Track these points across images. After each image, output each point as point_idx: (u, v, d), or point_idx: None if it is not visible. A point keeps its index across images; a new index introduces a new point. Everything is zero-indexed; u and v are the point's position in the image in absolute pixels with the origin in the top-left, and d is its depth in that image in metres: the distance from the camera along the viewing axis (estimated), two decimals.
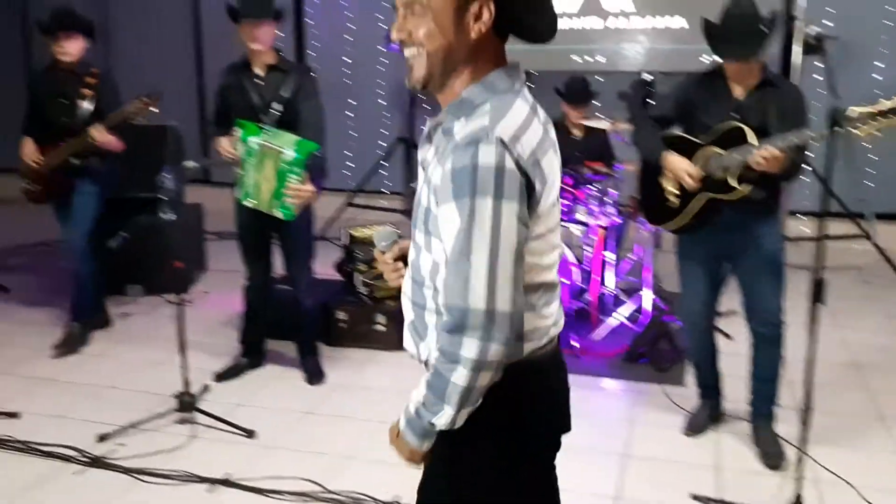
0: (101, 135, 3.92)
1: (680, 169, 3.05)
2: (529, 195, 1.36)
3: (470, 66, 1.42)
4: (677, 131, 3.18)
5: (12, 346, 4.38)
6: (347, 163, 7.37)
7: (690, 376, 3.62)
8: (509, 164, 1.31)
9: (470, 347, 1.32)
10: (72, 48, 4.07)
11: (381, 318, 4.33)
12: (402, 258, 1.63)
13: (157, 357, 4.10)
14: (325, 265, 4.56)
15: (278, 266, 3.96)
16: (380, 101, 7.44)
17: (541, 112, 1.46)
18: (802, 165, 3.00)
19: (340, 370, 4.06)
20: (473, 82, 1.42)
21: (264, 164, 3.41)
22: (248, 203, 3.53)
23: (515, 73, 1.45)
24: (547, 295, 1.50)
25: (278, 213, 3.45)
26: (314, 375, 3.93)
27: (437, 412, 1.40)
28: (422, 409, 1.43)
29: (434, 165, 1.42)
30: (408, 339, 1.57)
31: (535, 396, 1.50)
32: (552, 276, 1.51)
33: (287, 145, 3.37)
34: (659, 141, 3.14)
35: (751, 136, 2.87)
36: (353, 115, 7.39)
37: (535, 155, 1.37)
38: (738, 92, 3.02)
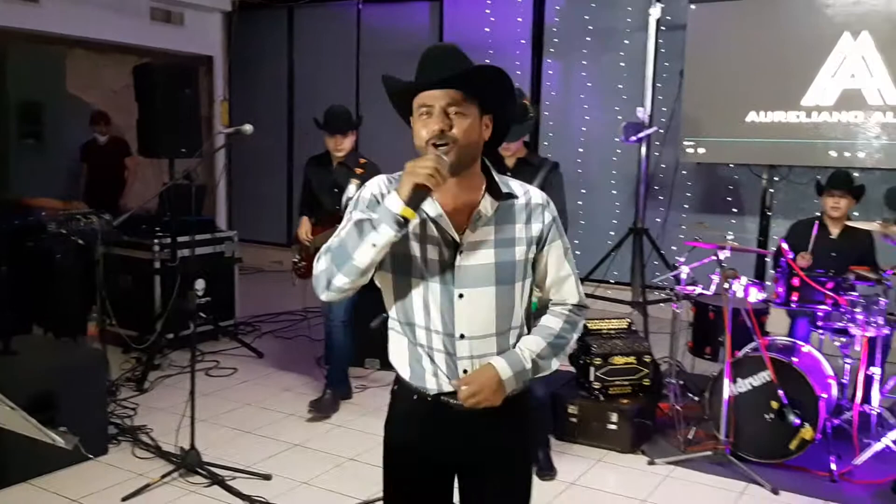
0: None
1: None
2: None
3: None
4: None
5: (267, 408, 4.72)
6: (577, 251, 7.34)
7: None
8: None
9: None
10: (345, 144, 4.50)
11: (613, 417, 4.18)
12: None
13: None
14: None
15: None
16: (612, 191, 7.41)
17: None
18: None
19: (570, 467, 3.94)
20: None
21: None
22: None
23: None
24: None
25: None
26: (544, 470, 3.85)
27: (551, 365, 1.95)
28: (539, 361, 1.93)
29: (523, 228, 1.91)
30: None
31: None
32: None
33: None
34: None
35: None
36: (584, 205, 7.41)
37: None
38: None
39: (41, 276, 4.81)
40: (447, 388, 1.87)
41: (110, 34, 7.85)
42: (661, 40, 6.66)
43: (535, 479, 3.77)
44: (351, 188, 4.42)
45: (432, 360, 1.88)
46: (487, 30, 7.87)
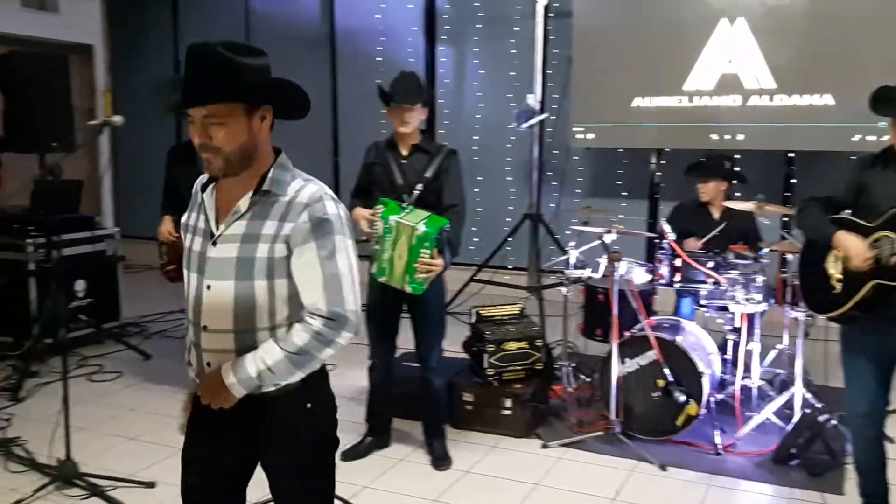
0: None
1: (853, 248, 2.81)
2: None
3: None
4: (846, 214, 2.97)
5: (152, 412, 4.53)
6: (474, 238, 7.39)
7: (852, 484, 3.28)
8: (344, 211, 1.95)
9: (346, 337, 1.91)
10: None
11: (507, 402, 4.20)
12: None
13: None
14: (449, 342, 4.49)
15: (407, 342, 3.93)
16: (507, 178, 7.46)
17: None
18: None
19: (466, 455, 3.94)
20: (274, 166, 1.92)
21: (399, 241, 3.44)
22: (383, 279, 3.55)
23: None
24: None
25: (408, 289, 3.45)
26: (441, 460, 3.83)
27: (288, 378, 1.90)
28: (268, 374, 1.85)
29: (274, 225, 1.86)
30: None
31: None
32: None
33: (420, 221, 3.40)
34: (828, 221, 2.94)
35: None
36: (480, 192, 7.44)
37: None
38: None
39: None
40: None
41: None
42: (549, 27, 6.74)
43: (431, 469, 3.79)
44: None
45: (189, 354, 2.00)
46: (378, 16, 7.77)
